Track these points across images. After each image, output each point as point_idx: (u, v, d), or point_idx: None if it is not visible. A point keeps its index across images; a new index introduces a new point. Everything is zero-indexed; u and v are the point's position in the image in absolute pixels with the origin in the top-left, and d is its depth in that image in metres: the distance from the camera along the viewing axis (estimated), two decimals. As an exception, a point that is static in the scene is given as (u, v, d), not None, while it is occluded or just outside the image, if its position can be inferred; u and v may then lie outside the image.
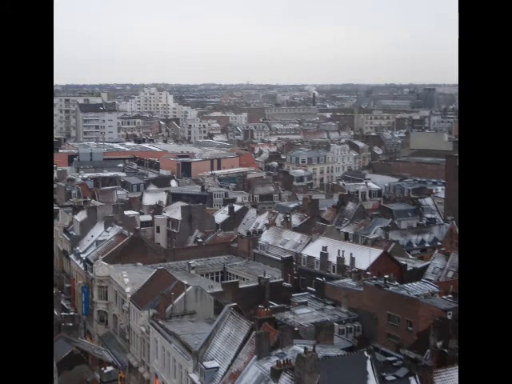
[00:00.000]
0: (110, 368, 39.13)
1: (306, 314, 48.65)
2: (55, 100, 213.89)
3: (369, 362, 34.11)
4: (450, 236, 79.35)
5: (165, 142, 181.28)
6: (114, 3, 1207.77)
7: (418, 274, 59.56)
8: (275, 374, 34.41)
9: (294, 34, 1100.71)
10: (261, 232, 69.38)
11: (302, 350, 34.16)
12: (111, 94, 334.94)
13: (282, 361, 34.64)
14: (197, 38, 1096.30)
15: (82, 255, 68.62)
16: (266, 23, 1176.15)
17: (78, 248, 71.14)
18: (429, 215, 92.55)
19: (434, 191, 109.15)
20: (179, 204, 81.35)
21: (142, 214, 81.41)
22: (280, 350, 37.13)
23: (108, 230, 69.49)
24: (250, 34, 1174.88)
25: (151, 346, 48.67)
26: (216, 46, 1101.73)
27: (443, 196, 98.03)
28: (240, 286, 54.58)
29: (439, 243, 77.24)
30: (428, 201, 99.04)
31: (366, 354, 34.47)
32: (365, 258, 57.04)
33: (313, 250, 61.65)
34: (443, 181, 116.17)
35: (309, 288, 55.15)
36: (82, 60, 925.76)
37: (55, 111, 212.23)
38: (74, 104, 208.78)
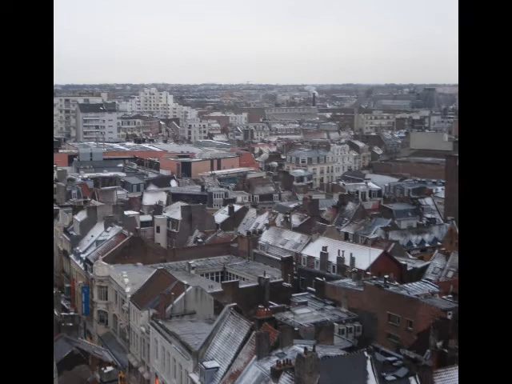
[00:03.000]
0: (110, 368, 39.08)
1: (305, 314, 48.63)
2: (55, 100, 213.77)
3: (369, 361, 34.11)
4: (450, 236, 79.40)
5: (165, 142, 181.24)
6: (113, 3, 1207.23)
7: (417, 274, 59.58)
8: (275, 374, 34.38)
9: (294, 34, 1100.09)
10: (261, 232, 69.36)
11: (302, 350, 34.20)
12: (111, 94, 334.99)
13: (282, 361, 34.62)
14: (197, 38, 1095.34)
15: (82, 255, 68.60)
16: (266, 23, 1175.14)
17: (78, 248, 71.10)
18: (429, 215, 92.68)
19: (433, 191, 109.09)
20: (179, 204, 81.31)
21: (142, 214, 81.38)
22: (280, 350, 37.12)
23: (108, 229, 69.42)
24: (249, 33, 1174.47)
25: (151, 346, 48.63)
26: (216, 46, 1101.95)
27: (443, 196, 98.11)
28: (240, 286, 54.54)
29: (439, 243, 77.27)
30: (428, 201, 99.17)
31: (365, 354, 34.46)
32: (365, 258, 57.04)
33: (313, 250, 61.66)
34: (443, 181, 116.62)
35: (309, 288, 55.13)
36: (82, 60, 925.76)
37: (55, 111, 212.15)
38: (73, 104, 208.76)
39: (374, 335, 47.99)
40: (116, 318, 59.40)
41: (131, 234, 65.93)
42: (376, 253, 57.92)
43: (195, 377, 40.45)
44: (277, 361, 34.84)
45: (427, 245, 78.10)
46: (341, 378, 33.35)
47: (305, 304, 50.92)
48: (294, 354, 35.40)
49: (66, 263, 76.18)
